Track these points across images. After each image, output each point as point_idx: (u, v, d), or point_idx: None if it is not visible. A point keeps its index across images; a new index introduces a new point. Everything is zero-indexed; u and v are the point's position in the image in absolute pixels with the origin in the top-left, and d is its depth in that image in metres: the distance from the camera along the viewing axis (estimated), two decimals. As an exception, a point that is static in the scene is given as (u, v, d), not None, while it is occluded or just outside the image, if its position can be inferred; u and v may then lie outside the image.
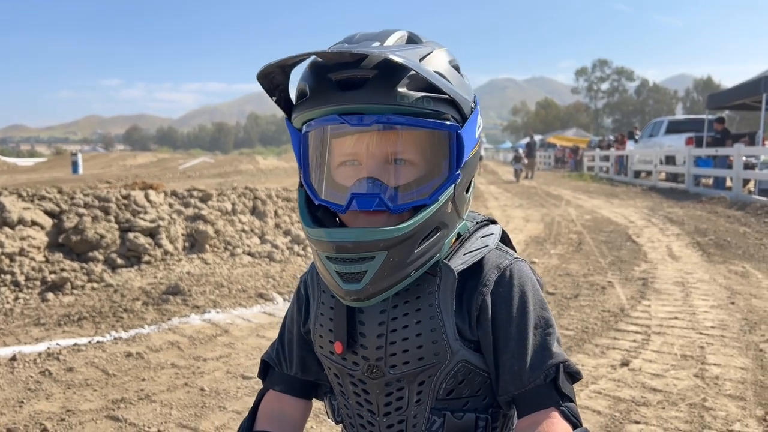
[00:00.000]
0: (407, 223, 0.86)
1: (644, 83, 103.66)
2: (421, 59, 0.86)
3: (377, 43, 0.88)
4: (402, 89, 0.83)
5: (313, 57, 0.86)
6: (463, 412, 0.96)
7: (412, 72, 0.83)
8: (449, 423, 0.95)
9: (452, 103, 0.88)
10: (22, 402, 3.18)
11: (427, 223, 0.88)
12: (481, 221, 1.05)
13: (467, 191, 0.96)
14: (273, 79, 0.91)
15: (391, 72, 0.82)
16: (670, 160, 17.47)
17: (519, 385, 0.92)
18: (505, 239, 1.06)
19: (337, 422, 1.10)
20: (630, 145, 22.59)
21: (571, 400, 0.92)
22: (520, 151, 25.07)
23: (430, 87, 0.85)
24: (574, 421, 0.91)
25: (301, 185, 0.96)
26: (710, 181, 15.18)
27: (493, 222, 1.07)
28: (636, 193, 15.76)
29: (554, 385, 0.91)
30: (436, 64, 0.88)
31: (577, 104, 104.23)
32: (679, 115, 46.15)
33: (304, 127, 0.93)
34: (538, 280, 1.00)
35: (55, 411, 3.08)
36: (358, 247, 0.86)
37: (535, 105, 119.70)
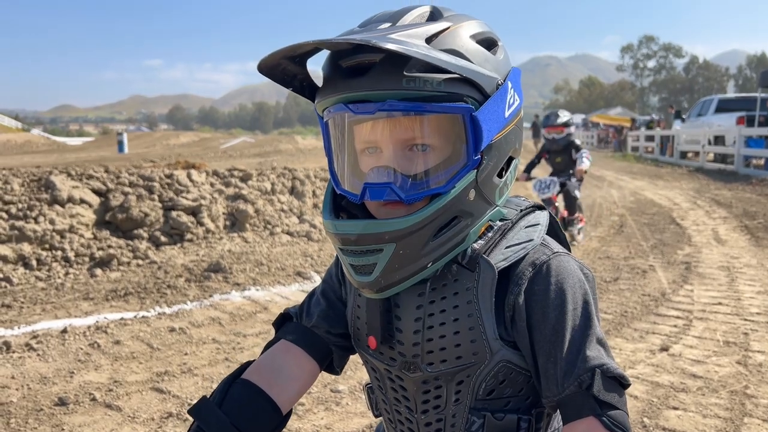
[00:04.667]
0: (415, 215, 0.81)
1: (693, 60, 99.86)
2: (430, 38, 0.80)
3: (388, 24, 0.84)
4: (410, 72, 0.78)
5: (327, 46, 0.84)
6: (504, 413, 0.91)
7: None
8: (489, 424, 0.90)
9: (469, 82, 0.82)
10: (73, 372, 3.33)
11: (443, 212, 0.83)
12: (526, 208, 0.96)
13: (501, 175, 0.89)
14: (284, 70, 0.88)
15: (398, 55, 0.76)
16: (719, 140, 16.87)
17: (555, 391, 0.85)
18: (553, 227, 0.98)
19: (376, 416, 1.07)
20: (677, 125, 21.89)
21: (615, 408, 0.82)
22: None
23: (441, 68, 0.79)
24: (618, 431, 0.81)
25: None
26: (762, 162, 14.61)
27: (540, 208, 0.98)
28: (682, 174, 15.32)
29: (591, 393, 0.82)
30: (450, 42, 0.82)
31: (621, 82, 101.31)
32: (730, 94, 44.41)
33: (324, 114, 0.90)
34: (586, 274, 0.91)
35: (104, 382, 3.22)
36: (362, 240, 0.83)
37: (578, 83, 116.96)
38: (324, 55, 0.87)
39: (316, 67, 0.90)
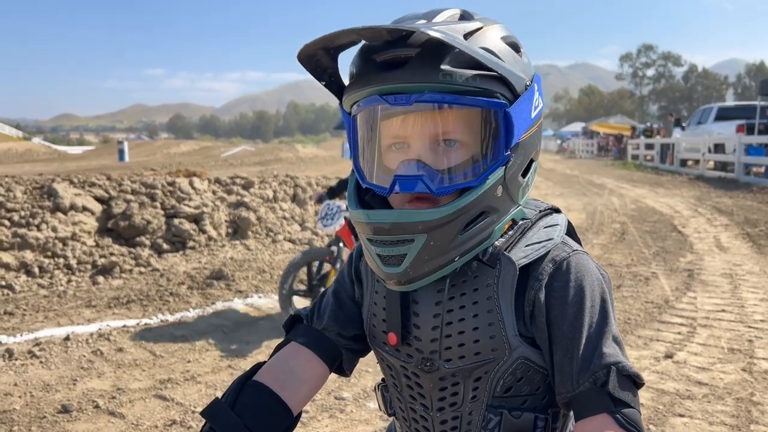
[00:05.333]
0: (448, 206, 0.82)
1: (693, 68, 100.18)
2: (467, 35, 0.83)
3: (423, 21, 0.86)
4: (446, 67, 0.80)
5: (362, 41, 0.86)
6: (521, 411, 0.91)
7: (457, 49, 0.80)
8: (506, 422, 0.90)
9: (502, 80, 0.84)
10: (76, 380, 3.32)
11: (473, 206, 0.84)
12: (545, 210, 0.98)
13: (524, 175, 0.90)
14: (318, 62, 0.89)
15: (434, 50, 0.79)
16: (719, 148, 16.89)
17: (569, 387, 0.85)
18: (569, 230, 0.98)
19: (389, 415, 1.06)
20: (677, 133, 21.93)
21: (629, 406, 0.82)
22: None
23: (477, 64, 0.81)
24: (631, 429, 0.81)
25: (353, 172, 0.95)
26: (762, 170, 14.62)
27: (557, 211, 1.00)
28: (682, 182, 15.32)
29: (606, 390, 0.82)
30: (484, 41, 0.84)
31: (621, 91, 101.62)
32: (730, 102, 44.48)
33: (353, 110, 0.91)
34: (602, 274, 0.92)
35: (107, 389, 3.21)
36: (396, 229, 0.83)
37: (578, 92, 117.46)
38: (350, 55, 0.89)
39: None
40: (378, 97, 0.84)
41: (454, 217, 0.83)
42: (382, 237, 0.85)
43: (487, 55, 0.82)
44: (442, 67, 0.80)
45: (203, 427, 0.92)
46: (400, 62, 0.82)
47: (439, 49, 0.79)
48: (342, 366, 1.06)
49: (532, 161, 0.93)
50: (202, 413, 0.92)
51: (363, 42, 0.87)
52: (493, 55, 0.83)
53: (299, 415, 0.99)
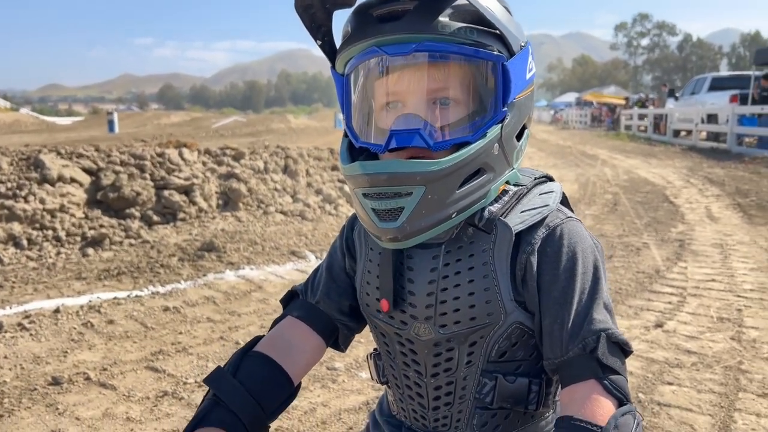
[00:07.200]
0: (446, 158, 0.81)
1: (687, 38, 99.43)
2: None
3: None
4: (443, 19, 0.81)
5: (357, 2, 0.86)
6: (516, 376, 0.92)
7: (455, 3, 0.81)
8: (501, 386, 0.91)
9: (498, 37, 0.84)
10: (66, 352, 3.31)
11: (470, 161, 0.83)
12: (540, 177, 0.98)
13: (518, 139, 0.90)
14: (314, 15, 0.88)
15: (431, 3, 0.81)
16: (712, 118, 16.85)
17: (558, 353, 0.86)
18: (563, 199, 0.98)
19: (381, 383, 1.06)
20: (670, 103, 21.84)
21: (617, 373, 0.83)
22: None
23: (473, 20, 0.82)
24: (618, 395, 0.81)
25: (345, 135, 0.94)
26: (754, 140, 14.63)
27: (551, 179, 1.00)
28: (675, 152, 15.32)
29: (595, 356, 0.82)
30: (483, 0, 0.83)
31: (615, 61, 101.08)
32: (724, 72, 44.34)
33: (346, 68, 0.91)
34: (595, 243, 0.92)
35: (98, 361, 3.20)
36: (393, 180, 0.82)
37: (572, 62, 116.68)
38: (341, 22, 0.88)
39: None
40: (376, 48, 0.84)
41: (452, 170, 0.82)
42: (379, 189, 0.83)
43: (488, 9, 0.82)
44: (440, 18, 0.80)
45: (206, 394, 0.93)
46: (397, 15, 0.82)
47: (436, 3, 0.80)
48: (337, 341, 1.08)
49: (524, 127, 0.92)
50: (205, 380, 0.93)
51: (357, 4, 0.86)
52: (490, 12, 0.83)
53: (299, 385, 1.01)
